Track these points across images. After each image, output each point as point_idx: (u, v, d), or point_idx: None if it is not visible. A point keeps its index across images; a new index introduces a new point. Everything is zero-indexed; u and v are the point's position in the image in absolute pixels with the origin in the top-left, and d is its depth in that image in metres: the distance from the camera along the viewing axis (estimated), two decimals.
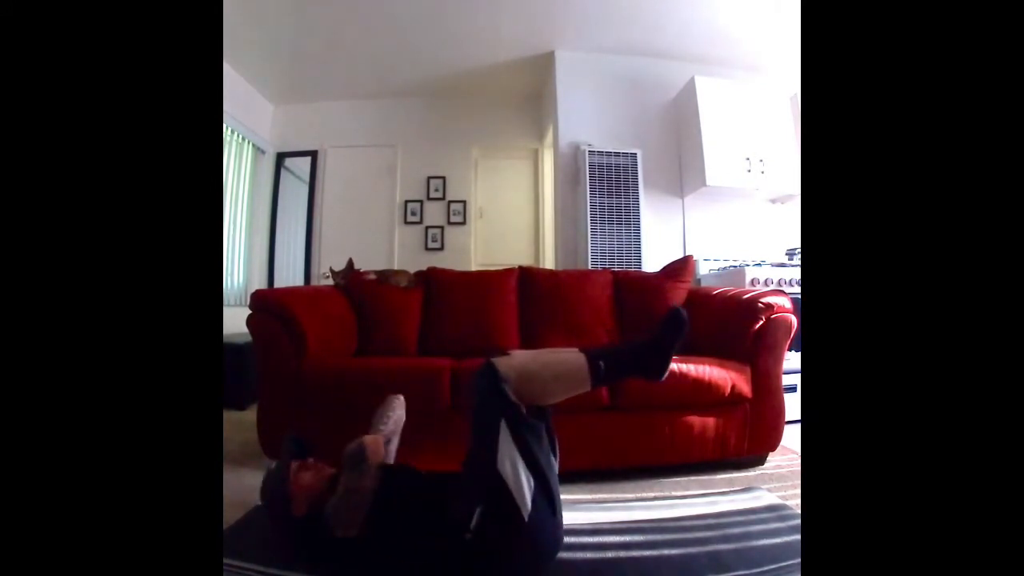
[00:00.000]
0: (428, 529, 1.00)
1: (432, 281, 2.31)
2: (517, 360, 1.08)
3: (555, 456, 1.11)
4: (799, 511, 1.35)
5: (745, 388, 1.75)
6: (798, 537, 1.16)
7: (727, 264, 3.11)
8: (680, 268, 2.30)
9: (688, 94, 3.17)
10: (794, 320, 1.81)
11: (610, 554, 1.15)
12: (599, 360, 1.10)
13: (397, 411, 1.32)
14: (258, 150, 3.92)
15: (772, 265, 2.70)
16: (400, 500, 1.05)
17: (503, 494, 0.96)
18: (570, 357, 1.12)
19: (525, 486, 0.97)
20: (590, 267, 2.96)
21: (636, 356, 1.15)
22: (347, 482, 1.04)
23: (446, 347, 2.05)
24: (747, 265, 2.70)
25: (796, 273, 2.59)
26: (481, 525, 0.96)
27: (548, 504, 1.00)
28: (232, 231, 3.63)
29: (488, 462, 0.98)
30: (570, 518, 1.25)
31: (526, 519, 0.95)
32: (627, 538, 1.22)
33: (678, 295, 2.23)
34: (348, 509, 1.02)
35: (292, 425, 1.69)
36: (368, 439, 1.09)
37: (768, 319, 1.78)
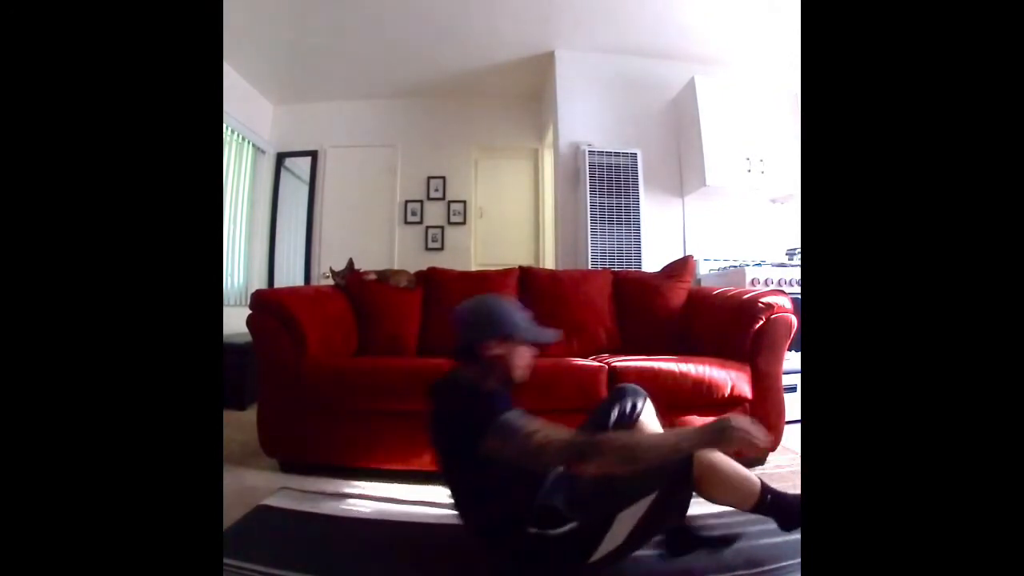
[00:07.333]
0: (510, 509, 0.95)
1: (432, 281, 2.31)
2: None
3: None
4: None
5: (745, 388, 1.75)
6: (798, 537, 1.16)
7: (727, 264, 3.11)
8: (680, 268, 2.31)
9: (688, 94, 3.17)
10: (794, 320, 1.81)
11: None
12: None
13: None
14: (258, 150, 3.92)
15: (772, 265, 2.70)
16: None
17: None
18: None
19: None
20: (590, 267, 2.96)
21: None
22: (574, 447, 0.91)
23: (446, 347, 2.04)
24: (747, 265, 2.70)
25: (796, 273, 2.59)
26: (558, 526, 0.92)
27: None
28: (232, 231, 3.63)
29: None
30: None
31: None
32: None
33: (678, 295, 2.23)
34: (538, 460, 0.92)
35: (293, 425, 1.70)
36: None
37: (768, 319, 1.78)
